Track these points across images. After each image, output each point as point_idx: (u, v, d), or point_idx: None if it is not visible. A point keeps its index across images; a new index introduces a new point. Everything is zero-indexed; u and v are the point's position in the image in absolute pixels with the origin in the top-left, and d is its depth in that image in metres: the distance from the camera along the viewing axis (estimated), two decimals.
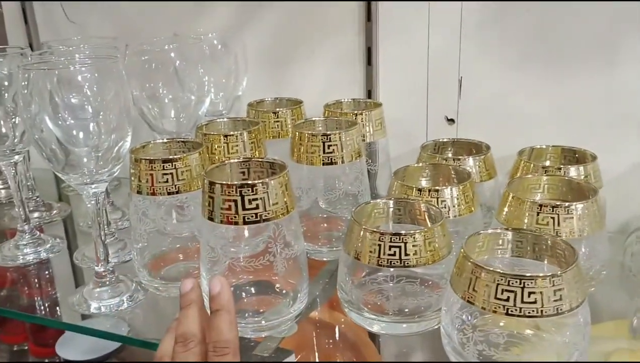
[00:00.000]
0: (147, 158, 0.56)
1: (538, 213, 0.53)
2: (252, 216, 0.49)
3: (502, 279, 0.42)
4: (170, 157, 0.56)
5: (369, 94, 0.80)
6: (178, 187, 0.56)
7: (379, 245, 0.49)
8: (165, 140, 0.61)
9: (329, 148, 0.62)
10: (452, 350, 0.47)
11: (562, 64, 0.71)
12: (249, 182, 0.48)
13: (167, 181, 0.56)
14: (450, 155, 0.72)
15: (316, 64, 0.83)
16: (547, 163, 0.68)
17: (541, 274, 0.41)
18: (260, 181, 0.49)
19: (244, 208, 0.48)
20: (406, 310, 0.53)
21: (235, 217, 0.49)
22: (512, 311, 0.41)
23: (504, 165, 0.70)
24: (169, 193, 0.56)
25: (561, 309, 0.41)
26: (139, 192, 0.57)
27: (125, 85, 0.56)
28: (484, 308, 0.43)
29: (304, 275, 0.53)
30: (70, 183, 0.57)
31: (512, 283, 0.41)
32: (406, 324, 0.52)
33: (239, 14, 0.86)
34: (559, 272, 0.41)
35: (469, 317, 0.46)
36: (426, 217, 0.54)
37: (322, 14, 0.80)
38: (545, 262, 0.47)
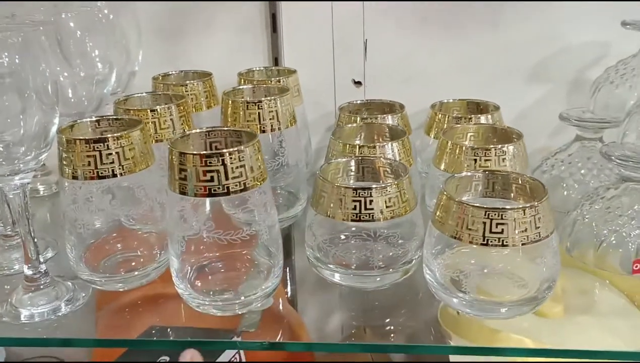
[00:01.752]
0: (84, 138, 0.50)
1: (475, 159, 0.59)
2: (237, 185, 0.46)
3: (491, 213, 0.45)
4: (115, 135, 0.50)
5: (276, 62, 0.79)
6: (125, 167, 0.51)
7: (359, 201, 0.50)
8: (93, 119, 0.55)
9: (269, 115, 0.61)
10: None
11: (458, 25, 0.77)
12: (231, 149, 0.45)
13: (112, 162, 0.50)
14: (365, 115, 0.74)
15: (215, 34, 0.80)
16: (456, 114, 0.74)
17: (528, 205, 0.45)
18: (237, 149, 0.46)
19: (226, 178, 0.46)
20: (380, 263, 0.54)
21: (217, 188, 0.46)
22: (506, 242, 0.45)
23: (412, 121, 0.74)
24: (113, 176, 0.51)
25: (541, 235, 0.46)
26: (74, 177, 0.51)
27: (49, 57, 0.48)
28: (472, 242, 0.46)
29: (280, 246, 0.52)
30: None
31: (502, 216, 0.45)
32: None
33: None
34: (536, 203, 0.46)
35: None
36: (389, 171, 0.56)
37: None
38: (519, 199, 0.51)
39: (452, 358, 0.56)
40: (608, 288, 0.57)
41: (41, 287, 0.53)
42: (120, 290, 0.55)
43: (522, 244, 0.45)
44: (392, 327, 0.53)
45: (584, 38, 0.75)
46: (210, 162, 0.45)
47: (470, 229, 0.46)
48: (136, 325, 0.54)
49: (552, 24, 0.75)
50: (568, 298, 0.56)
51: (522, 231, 0.45)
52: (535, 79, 0.78)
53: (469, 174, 0.52)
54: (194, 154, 0.46)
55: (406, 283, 0.55)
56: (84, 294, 0.55)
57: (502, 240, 0.45)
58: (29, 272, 0.53)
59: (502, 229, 0.45)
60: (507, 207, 0.45)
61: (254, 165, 0.47)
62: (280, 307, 0.56)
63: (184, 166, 0.46)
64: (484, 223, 0.45)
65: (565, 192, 0.67)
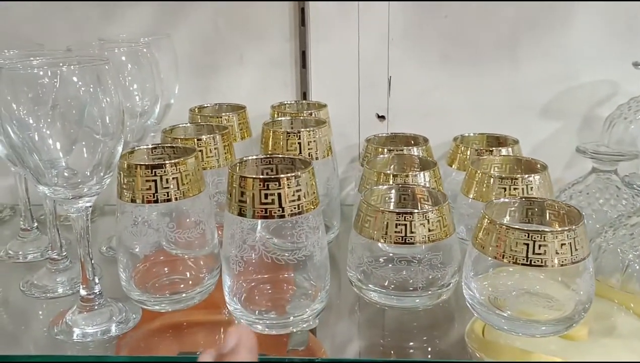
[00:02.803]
0: (144, 163, 0.53)
1: (505, 188, 0.62)
2: (294, 208, 0.49)
3: (534, 235, 0.48)
4: (173, 161, 0.53)
5: (304, 96, 0.83)
6: (183, 192, 0.54)
7: (405, 225, 0.53)
8: (149, 146, 0.58)
9: (308, 145, 0.64)
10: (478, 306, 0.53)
11: (476, 63, 0.81)
12: (289, 175, 0.49)
13: (170, 187, 0.53)
14: (391, 147, 0.78)
15: (246, 69, 0.83)
16: (476, 147, 0.78)
17: (566, 228, 0.49)
18: (294, 174, 0.49)
19: (284, 201, 0.49)
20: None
21: (275, 211, 0.49)
22: (547, 262, 0.48)
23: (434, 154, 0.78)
24: (168, 200, 0.54)
25: (577, 258, 0.49)
26: (132, 201, 0.53)
27: (118, 89, 0.52)
28: (512, 262, 0.49)
29: (328, 268, 0.54)
30: (55, 197, 0.51)
31: (544, 238, 0.48)
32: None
33: (156, 19, 0.83)
34: (574, 227, 0.49)
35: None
36: (427, 198, 0.59)
37: (252, 19, 0.81)
38: (554, 224, 0.54)
39: None
40: (626, 312, 0.60)
41: (95, 307, 0.55)
42: (169, 311, 0.57)
43: (562, 265, 0.49)
44: (427, 347, 0.56)
45: (596, 77, 0.80)
46: (269, 186, 0.48)
47: (512, 250, 0.49)
48: (166, 350, 0.55)
49: (567, 62, 0.80)
50: (591, 322, 0.59)
51: (562, 253, 0.48)
52: (549, 114, 0.83)
53: (506, 200, 0.56)
54: (254, 178, 0.49)
55: (439, 306, 0.58)
56: (134, 315, 0.57)
57: (544, 261, 0.48)
58: (84, 292, 0.55)
59: (545, 251, 0.48)
60: (547, 229, 0.49)
61: (309, 190, 0.50)
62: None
63: (244, 189, 0.49)
64: (527, 244, 0.48)
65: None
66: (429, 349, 0.54)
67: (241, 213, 0.49)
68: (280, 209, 0.49)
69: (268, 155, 0.55)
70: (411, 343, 0.55)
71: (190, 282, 0.59)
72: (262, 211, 0.49)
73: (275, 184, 0.48)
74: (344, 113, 0.84)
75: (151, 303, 0.57)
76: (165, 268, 0.60)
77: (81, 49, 0.66)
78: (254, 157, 0.54)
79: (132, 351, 0.54)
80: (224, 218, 0.52)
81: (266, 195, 0.48)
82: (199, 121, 0.73)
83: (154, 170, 0.53)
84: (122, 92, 0.67)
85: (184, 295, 0.57)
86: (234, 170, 0.51)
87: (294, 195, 0.49)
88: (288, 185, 0.49)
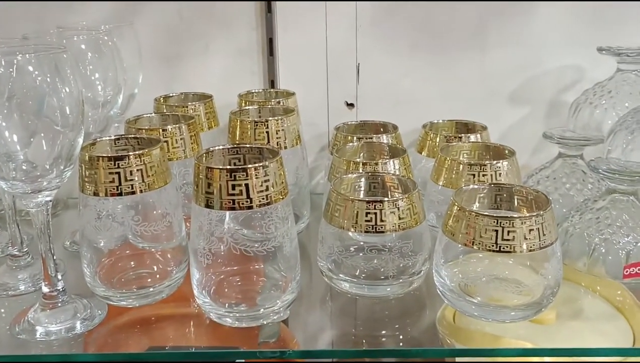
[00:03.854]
0: (107, 155, 0.51)
1: (473, 174, 0.62)
2: (263, 199, 0.48)
3: (502, 222, 0.48)
4: (137, 152, 0.52)
5: (272, 84, 0.82)
6: (148, 184, 0.52)
7: (375, 213, 0.53)
8: (112, 138, 0.56)
9: (277, 134, 0.63)
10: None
11: (445, 51, 0.81)
12: (257, 165, 0.48)
13: (134, 179, 0.52)
14: (360, 135, 0.77)
15: (213, 57, 0.82)
16: (445, 134, 0.78)
17: (534, 213, 0.49)
18: (262, 164, 0.48)
19: (252, 192, 0.48)
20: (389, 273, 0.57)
21: (243, 202, 0.48)
22: (515, 248, 0.49)
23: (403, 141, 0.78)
24: (133, 193, 0.52)
25: (545, 243, 0.50)
26: (95, 194, 0.52)
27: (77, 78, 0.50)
28: (482, 248, 0.49)
29: (298, 259, 0.54)
30: (13, 191, 0.49)
31: (513, 224, 0.48)
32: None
33: (118, 7, 0.80)
34: (542, 212, 0.50)
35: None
36: (397, 186, 0.59)
37: (217, 7, 0.80)
38: (522, 210, 0.55)
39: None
40: (593, 295, 0.61)
41: (59, 304, 0.54)
42: (136, 306, 0.56)
43: (530, 250, 0.49)
44: (398, 335, 0.56)
45: (562, 62, 0.81)
46: (237, 177, 0.47)
47: (482, 237, 0.49)
48: (136, 346, 0.54)
49: (533, 48, 0.80)
50: (559, 306, 0.60)
51: (530, 239, 0.49)
52: (516, 101, 0.83)
53: (475, 186, 0.56)
54: (220, 169, 0.48)
55: (410, 294, 0.58)
56: (100, 312, 0.55)
57: (513, 247, 0.48)
58: (46, 290, 0.53)
59: (513, 236, 0.48)
60: (516, 215, 0.49)
61: (277, 180, 0.49)
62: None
63: (210, 180, 0.48)
64: (496, 231, 0.49)
65: None
66: (401, 337, 0.54)
67: (208, 205, 0.48)
68: (248, 200, 0.48)
69: (235, 145, 0.53)
70: (383, 332, 0.55)
71: (158, 276, 0.57)
72: (229, 202, 0.48)
73: (243, 175, 0.47)
74: (312, 101, 0.83)
75: (117, 299, 0.55)
76: (132, 263, 0.58)
77: (38, 37, 0.63)
78: (221, 147, 0.53)
79: (100, 348, 0.53)
80: (191, 210, 0.51)
81: (233, 186, 0.47)
82: (165, 111, 0.71)
83: (117, 162, 0.51)
84: (83, 81, 0.65)
85: (151, 289, 0.56)
86: (200, 161, 0.50)
87: (262, 185, 0.48)
88: (256, 175, 0.48)
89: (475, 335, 0.54)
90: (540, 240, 0.49)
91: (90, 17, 0.79)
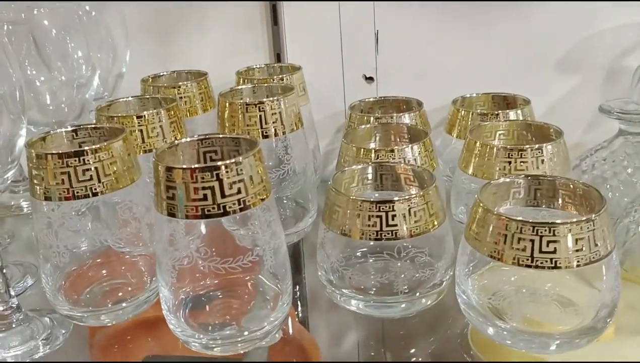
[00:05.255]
0: (57, 152, 0.43)
1: (509, 161, 0.51)
2: (235, 203, 0.39)
3: (541, 229, 0.38)
4: (93, 147, 0.43)
5: (278, 58, 0.72)
6: (106, 184, 0.44)
7: (380, 216, 0.43)
8: (68, 129, 0.48)
9: (272, 117, 0.54)
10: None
11: (478, 12, 0.69)
12: (228, 161, 0.38)
13: (90, 179, 0.43)
14: (379, 114, 0.67)
15: (210, 31, 0.72)
16: (480, 110, 0.66)
17: (583, 218, 0.38)
18: (234, 161, 0.39)
19: (222, 196, 0.38)
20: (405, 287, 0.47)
21: (212, 208, 0.38)
22: (559, 263, 0.38)
23: (431, 119, 0.67)
24: (93, 194, 0.44)
25: (598, 255, 0.38)
26: (47, 198, 0.44)
27: (12, 59, 0.41)
28: (513, 263, 0.38)
29: (289, 270, 0.44)
30: None
31: (554, 232, 0.37)
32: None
33: None
34: (593, 216, 0.38)
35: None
36: (413, 179, 0.48)
37: None
38: (569, 208, 0.44)
39: None
40: None
41: (13, 325, 0.46)
42: (108, 325, 0.48)
43: (577, 266, 0.38)
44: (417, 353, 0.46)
45: (620, 21, 0.68)
46: (202, 178, 0.38)
47: (514, 248, 0.38)
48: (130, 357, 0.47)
49: (585, 6, 0.67)
50: (619, 316, 0.49)
51: (578, 249, 0.38)
52: (566, 68, 0.71)
53: (507, 179, 0.45)
54: (183, 169, 0.38)
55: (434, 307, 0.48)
56: (64, 331, 0.48)
57: (555, 261, 0.37)
58: None
59: (555, 248, 0.37)
60: (558, 221, 0.38)
61: (255, 179, 0.40)
62: (292, 332, 0.49)
63: (172, 183, 0.39)
64: (532, 241, 0.38)
65: (610, 194, 0.59)
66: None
67: (170, 213, 0.39)
68: (216, 207, 0.38)
69: (206, 136, 0.44)
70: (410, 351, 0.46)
71: (131, 289, 0.49)
72: (194, 209, 0.39)
73: (208, 175, 0.38)
74: (325, 76, 0.72)
75: (84, 318, 0.47)
76: (103, 272, 0.50)
77: None
78: (188, 139, 0.44)
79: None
80: (154, 218, 0.42)
81: (196, 189, 0.38)
82: (151, 93, 0.63)
83: (66, 160, 0.42)
84: (50, 61, 0.58)
85: (124, 304, 0.48)
86: (160, 158, 0.40)
87: (231, 187, 0.38)
88: (227, 175, 0.39)
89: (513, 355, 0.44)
90: (591, 252, 0.38)
91: None
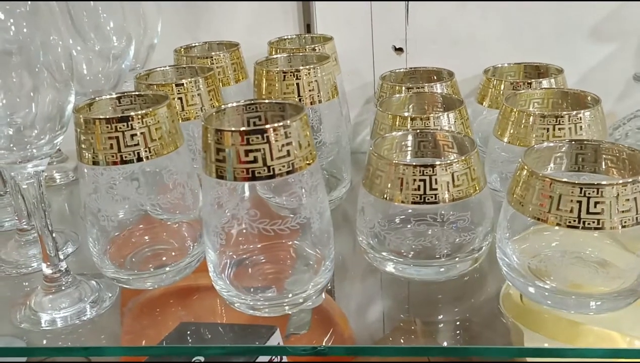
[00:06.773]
0: (105, 117, 0.43)
1: (547, 128, 0.51)
2: (284, 166, 0.39)
3: (585, 190, 0.38)
4: (140, 113, 0.44)
5: (308, 29, 0.72)
6: (152, 149, 0.45)
7: (424, 180, 0.43)
8: (113, 96, 0.48)
9: (309, 85, 0.54)
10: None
11: None
12: (276, 125, 0.39)
13: (137, 144, 0.44)
14: (410, 84, 0.67)
15: (239, 2, 0.72)
16: (511, 80, 0.66)
17: (629, 179, 0.38)
18: (282, 124, 0.39)
19: (272, 158, 0.39)
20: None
21: (261, 171, 0.39)
22: (605, 224, 0.38)
23: (461, 89, 0.66)
24: (139, 160, 0.44)
25: None
26: (95, 163, 0.44)
27: (62, 27, 0.42)
28: (560, 224, 0.39)
29: (332, 235, 0.45)
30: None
31: (602, 193, 0.38)
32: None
33: None
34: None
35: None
36: (452, 145, 0.49)
37: None
38: (612, 173, 0.44)
39: None
40: None
41: (62, 287, 0.47)
42: (150, 288, 0.49)
43: (623, 227, 0.38)
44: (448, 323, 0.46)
45: None
46: (252, 140, 0.39)
47: (561, 210, 0.39)
48: (167, 322, 0.48)
49: None
50: None
51: (625, 211, 0.38)
52: (599, 36, 0.70)
53: (551, 144, 0.45)
54: (232, 131, 0.39)
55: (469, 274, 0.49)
56: (110, 294, 0.49)
57: (602, 222, 0.38)
58: (48, 271, 0.47)
59: (602, 209, 0.38)
60: (604, 182, 0.38)
61: (302, 143, 0.40)
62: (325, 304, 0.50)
63: (221, 145, 0.39)
64: (579, 202, 0.38)
65: None
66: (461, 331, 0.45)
67: (219, 175, 0.40)
68: (266, 169, 0.39)
69: (252, 101, 0.44)
70: (440, 317, 0.46)
71: (174, 254, 0.50)
72: (244, 172, 0.39)
73: (258, 138, 0.39)
74: (355, 47, 0.72)
75: (128, 281, 0.48)
76: (146, 237, 0.51)
77: None
78: (235, 104, 0.44)
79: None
80: (202, 180, 0.43)
81: (247, 152, 0.39)
82: (184, 63, 0.63)
83: (115, 125, 0.43)
84: (83, 32, 0.58)
85: (167, 269, 0.49)
86: (208, 122, 0.41)
87: (281, 150, 0.39)
88: (275, 138, 0.39)
89: (547, 319, 0.44)
90: (638, 213, 0.38)
91: None
